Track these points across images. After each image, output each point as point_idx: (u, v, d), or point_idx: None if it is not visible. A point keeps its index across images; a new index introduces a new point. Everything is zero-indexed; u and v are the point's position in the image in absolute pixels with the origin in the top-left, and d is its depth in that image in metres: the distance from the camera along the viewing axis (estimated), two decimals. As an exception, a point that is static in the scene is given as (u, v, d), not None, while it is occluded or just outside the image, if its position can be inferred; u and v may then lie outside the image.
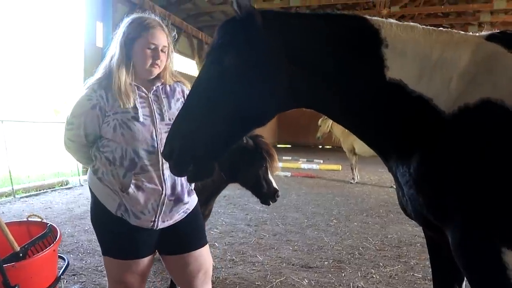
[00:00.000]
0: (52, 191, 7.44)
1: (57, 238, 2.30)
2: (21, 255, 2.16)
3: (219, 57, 1.44)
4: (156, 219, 1.77)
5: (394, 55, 1.47)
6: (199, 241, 1.92)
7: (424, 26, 1.57)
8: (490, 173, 1.32)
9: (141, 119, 1.72)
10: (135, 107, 1.73)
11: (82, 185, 7.99)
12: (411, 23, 1.56)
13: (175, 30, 1.89)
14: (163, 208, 1.77)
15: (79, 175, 8.32)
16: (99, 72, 1.80)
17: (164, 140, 1.60)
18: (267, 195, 2.84)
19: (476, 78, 1.41)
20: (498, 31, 1.55)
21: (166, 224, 1.81)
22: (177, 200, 1.81)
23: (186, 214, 1.88)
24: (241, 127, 1.50)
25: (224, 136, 1.46)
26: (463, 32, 1.58)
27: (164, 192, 1.75)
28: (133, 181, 1.71)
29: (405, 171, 1.52)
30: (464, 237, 1.39)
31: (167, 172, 1.75)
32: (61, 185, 7.91)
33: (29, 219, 2.56)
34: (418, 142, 1.47)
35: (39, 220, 2.54)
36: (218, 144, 1.46)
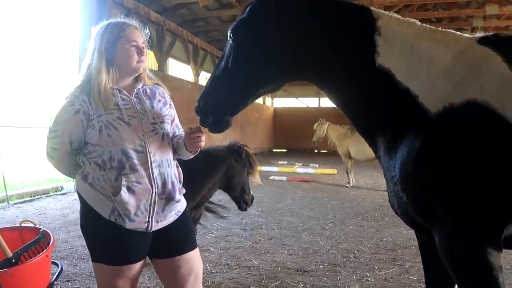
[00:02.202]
0: (46, 197, 7.40)
1: (50, 243, 2.29)
2: (13, 261, 2.14)
3: (236, 30, 1.72)
4: (150, 220, 1.76)
5: (385, 43, 1.56)
6: (190, 244, 1.93)
7: (422, 24, 1.62)
8: (474, 174, 1.33)
9: (126, 119, 1.73)
10: (119, 109, 1.74)
11: (76, 191, 7.93)
12: (411, 20, 1.62)
13: (147, 28, 1.92)
14: (155, 208, 1.77)
15: (73, 181, 8.27)
16: (77, 81, 1.80)
17: (151, 139, 1.78)
18: (246, 201, 3.06)
19: (463, 79, 1.43)
20: (492, 33, 1.57)
21: (160, 225, 1.81)
22: (169, 198, 1.82)
23: (177, 216, 1.89)
24: (251, 90, 1.76)
25: (237, 97, 1.77)
26: (458, 33, 1.61)
27: (154, 191, 1.76)
28: (123, 182, 1.69)
29: (391, 166, 1.54)
30: (451, 238, 1.39)
31: (156, 171, 1.77)
32: (56, 191, 7.87)
33: (22, 224, 2.54)
34: (402, 137, 1.49)
35: (32, 225, 2.53)
36: (232, 103, 1.78)
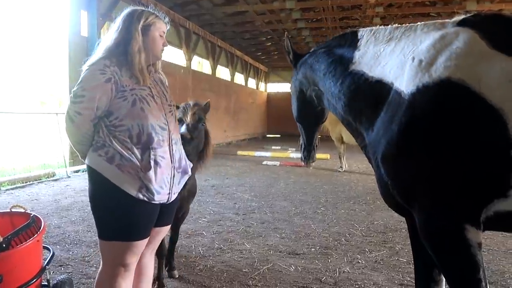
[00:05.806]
0: (38, 183, 7.36)
1: (41, 228, 2.29)
2: (4, 245, 2.14)
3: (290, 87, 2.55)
4: (170, 192, 1.91)
5: (360, 56, 1.83)
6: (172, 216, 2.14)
7: (398, 24, 1.80)
8: (450, 154, 1.33)
9: (155, 98, 1.89)
10: (148, 86, 1.88)
11: (69, 177, 7.91)
12: (389, 26, 1.82)
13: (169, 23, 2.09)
14: (174, 180, 1.93)
15: (66, 167, 8.23)
16: (107, 52, 1.84)
17: (170, 119, 1.96)
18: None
19: (437, 59, 1.44)
20: (472, 14, 1.56)
21: (174, 196, 1.96)
22: (184, 171, 2.02)
23: None
24: (311, 125, 2.55)
25: (307, 132, 2.59)
26: (438, 21, 1.65)
27: (173, 165, 1.92)
28: (152, 156, 1.80)
29: (372, 149, 1.58)
30: (429, 216, 1.41)
31: (174, 148, 1.94)
32: (48, 177, 7.83)
33: (13, 210, 2.54)
34: (380, 120, 1.54)
35: (23, 210, 2.52)
36: (306, 137, 2.61)
